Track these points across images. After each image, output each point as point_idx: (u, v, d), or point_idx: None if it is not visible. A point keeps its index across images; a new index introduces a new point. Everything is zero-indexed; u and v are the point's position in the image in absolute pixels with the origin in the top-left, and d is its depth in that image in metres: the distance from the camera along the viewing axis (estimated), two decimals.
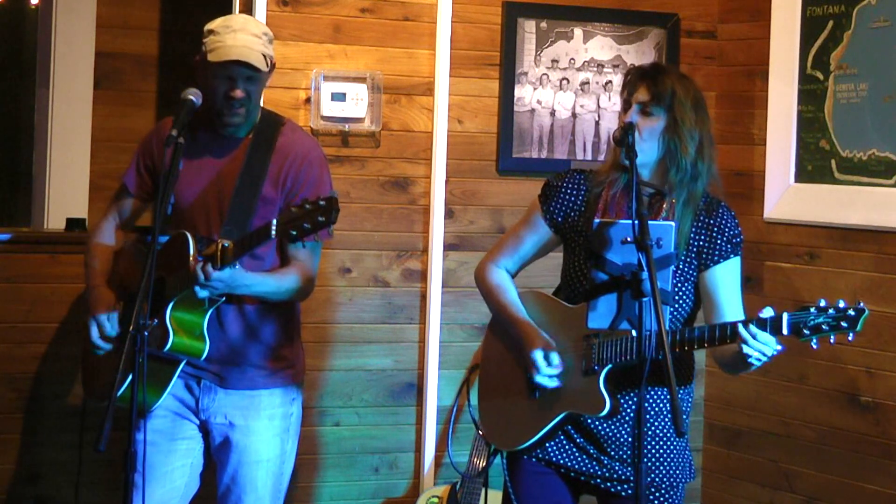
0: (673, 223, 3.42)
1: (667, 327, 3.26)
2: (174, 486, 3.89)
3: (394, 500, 5.11)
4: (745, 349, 3.26)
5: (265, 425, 3.90)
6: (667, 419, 3.54)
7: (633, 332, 3.33)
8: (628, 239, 3.29)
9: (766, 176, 5.13)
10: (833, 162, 4.93)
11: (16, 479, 4.75)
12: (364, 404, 5.06)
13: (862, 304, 3.24)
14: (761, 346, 3.25)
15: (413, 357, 5.10)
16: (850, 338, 3.25)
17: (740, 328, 3.26)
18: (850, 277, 4.85)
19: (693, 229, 3.52)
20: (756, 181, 5.19)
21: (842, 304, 3.25)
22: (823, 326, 3.23)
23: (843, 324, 3.23)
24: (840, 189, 4.90)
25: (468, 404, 4.73)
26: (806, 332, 3.24)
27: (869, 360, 4.80)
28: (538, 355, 3.47)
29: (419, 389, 5.10)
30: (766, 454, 5.14)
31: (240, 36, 3.76)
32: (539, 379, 3.47)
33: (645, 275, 3.23)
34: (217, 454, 3.93)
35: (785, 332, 3.25)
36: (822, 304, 3.25)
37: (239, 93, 3.76)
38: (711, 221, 3.53)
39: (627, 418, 3.51)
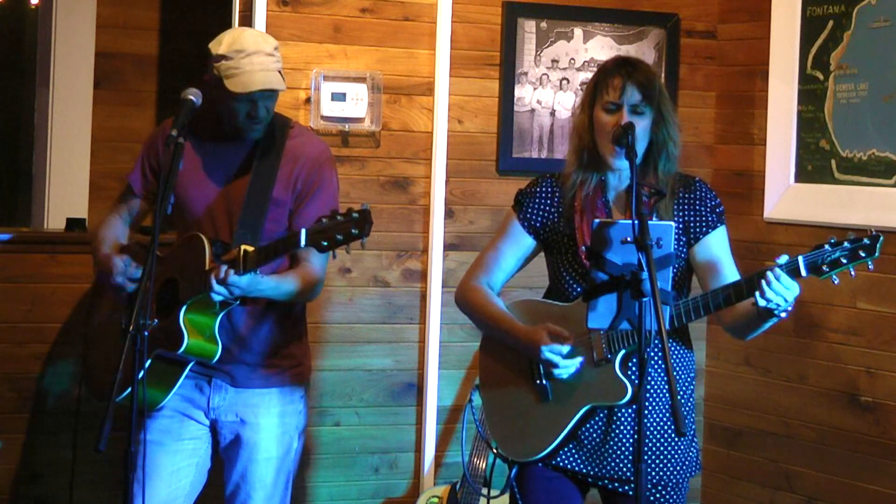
0: (673, 223, 3.44)
1: (667, 327, 3.26)
2: (180, 485, 3.90)
3: (394, 500, 5.11)
4: (768, 293, 3.23)
5: (275, 423, 3.91)
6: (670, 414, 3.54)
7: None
8: (628, 239, 3.30)
9: (766, 176, 5.13)
10: (833, 162, 4.93)
11: (16, 479, 4.74)
12: (364, 404, 5.06)
13: (875, 231, 3.23)
14: (784, 292, 3.24)
15: (413, 357, 5.10)
16: (869, 266, 3.24)
17: (767, 274, 3.25)
18: (850, 277, 4.84)
19: (675, 207, 3.55)
20: (756, 181, 5.18)
21: (853, 236, 3.24)
22: (842, 259, 3.23)
23: (861, 253, 3.23)
24: (840, 189, 4.89)
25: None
26: (825, 268, 3.24)
27: (869, 360, 4.80)
28: (549, 353, 3.44)
29: (419, 389, 5.10)
30: (766, 454, 5.14)
31: (256, 60, 3.75)
32: (559, 372, 3.45)
33: (645, 275, 3.23)
34: (226, 453, 3.94)
35: (803, 273, 3.25)
36: (833, 240, 3.25)
37: (262, 111, 3.78)
38: (691, 195, 3.57)
39: (633, 417, 3.51)
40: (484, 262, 3.71)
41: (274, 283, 3.78)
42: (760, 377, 5.14)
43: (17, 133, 7.02)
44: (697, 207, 3.56)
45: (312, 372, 4.85)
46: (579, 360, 3.45)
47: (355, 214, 3.44)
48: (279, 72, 3.80)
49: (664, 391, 3.54)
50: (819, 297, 4.90)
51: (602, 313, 3.41)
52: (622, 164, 3.49)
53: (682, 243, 3.55)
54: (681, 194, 3.57)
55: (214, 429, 3.92)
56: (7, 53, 7.04)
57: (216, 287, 3.60)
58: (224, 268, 3.59)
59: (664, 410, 3.54)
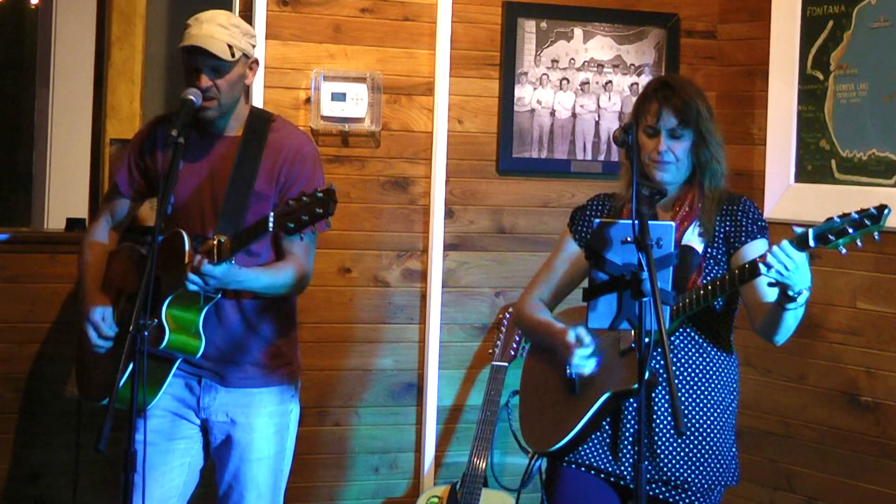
0: (673, 223, 3.46)
1: (667, 327, 3.27)
2: (173, 485, 3.90)
3: (394, 500, 5.11)
4: (770, 259, 3.28)
5: (266, 422, 3.91)
6: (714, 415, 3.61)
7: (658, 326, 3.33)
8: (628, 239, 3.31)
9: (766, 176, 5.14)
10: (833, 162, 4.93)
11: (15, 479, 4.74)
12: (364, 404, 5.06)
13: (882, 203, 3.27)
14: (785, 259, 3.28)
15: (413, 357, 5.10)
16: (876, 237, 3.27)
17: (772, 247, 3.31)
18: (850, 277, 4.85)
19: (718, 218, 3.62)
20: (756, 181, 5.19)
21: (859, 208, 3.29)
22: (849, 230, 3.27)
23: (867, 222, 3.27)
24: (840, 189, 4.90)
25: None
26: (831, 237, 3.28)
27: (869, 360, 4.80)
28: (570, 336, 3.51)
29: (419, 389, 5.10)
30: (766, 454, 5.14)
31: (205, 26, 3.78)
32: (576, 361, 3.50)
33: (645, 275, 3.24)
34: (217, 453, 3.93)
35: (811, 244, 3.29)
36: (842, 212, 3.29)
37: (203, 81, 3.75)
38: (735, 207, 3.64)
39: (666, 416, 3.55)
40: (538, 279, 3.83)
41: (254, 275, 3.77)
42: (760, 377, 5.14)
43: (17, 133, 7.03)
44: (739, 218, 3.62)
45: (312, 372, 4.87)
46: (593, 364, 3.51)
47: (319, 195, 3.43)
48: (230, 46, 3.76)
49: (695, 393, 3.57)
50: (819, 297, 4.90)
51: (602, 313, 3.42)
52: (667, 179, 3.58)
53: (721, 252, 3.60)
54: (724, 207, 3.64)
55: (205, 428, 3.92)
56: (7, 53, 7.05)
57: (191, 276, 3.60)
58: (198, 257, 3.60)
59: (693, 413, 3.55)
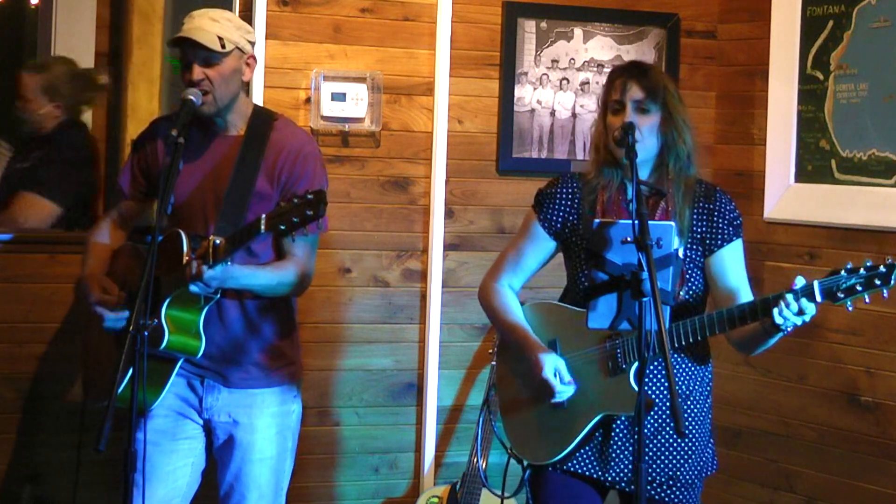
0: (672, 223, 3.45)
1: (667, 327, 3.27)
2: (176, 485, 3.90)
3: (394, 500, 5.11)
4: (785, 312, 3.27)
5: (268, 423, 3.91)
6: (694, 412, 3.60)
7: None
8: (628, 239, 3.30)
9: (766, 176, 5.14)
10: (833, 162, 4.93)
11: (15, 479, 4.74)
12: (364, 404, 5.06)
13: (891, 260, 3.26)
14: (803, 315, 3.28)
15: (413, 357, 5.10)
16: (884, 294, 3.27)
17: (786, 296, 3.29)
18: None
19: (694, 216, 3.58)
20: (756, 181, 5.19)
21: (869, 263, 3.27)
22: (857, 287, 3.27)
23: (877, 281, 3.26)
24: (840, 189, 4.90)
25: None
26: (840, 295, 3.28)
27: (869, 360, 4.80)
28: (549, 372, 3.49)
29: (419, 389, 5.10)
30: (766, 454, 5.14)
31: (196, 20, 3.79)
32: (558, 397, 3.49)
33: (645, 275, 3.24)
34: (220, 453, 3.93)
35: (818, 298, 3.28)
36: (850, 266, 3.28)
37: (195, 73, 3.75)
38: (711, 206, 3.60)
39: (652, 421, 3.54)
40: (506, 262, 3.75)
41: (251, 273, 3.76)
42: (760, 377, 5.14)
43: None
44: (715, 219, 3.58)
45: (313, 372, 4.87)
46: (573, 388, 3.49)
47: (309, 196, 3.43)
48: (220, 38, 3.76)
49: (681, 390, 3.56)
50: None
51: (602, 313, 3.41)
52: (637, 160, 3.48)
53: (698, 254, 3.57)
54: (701, 204, 3.59)
55: (208, 428, 3.92)
56: (7, 53, 7.04)
57: (189, 281, 3.61)
58: (195, 263, 3.60)
59: (683, 408, 3.56)
